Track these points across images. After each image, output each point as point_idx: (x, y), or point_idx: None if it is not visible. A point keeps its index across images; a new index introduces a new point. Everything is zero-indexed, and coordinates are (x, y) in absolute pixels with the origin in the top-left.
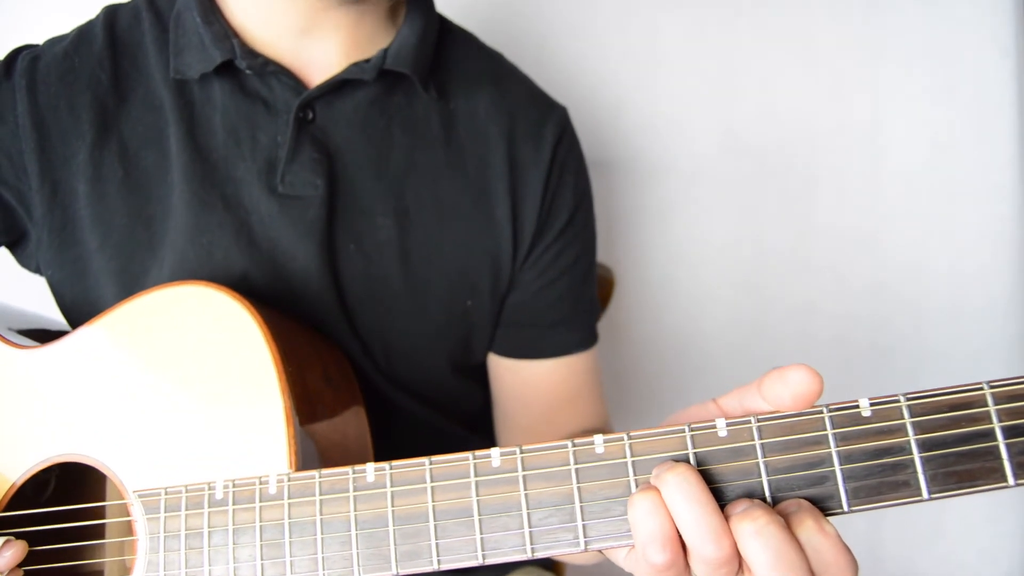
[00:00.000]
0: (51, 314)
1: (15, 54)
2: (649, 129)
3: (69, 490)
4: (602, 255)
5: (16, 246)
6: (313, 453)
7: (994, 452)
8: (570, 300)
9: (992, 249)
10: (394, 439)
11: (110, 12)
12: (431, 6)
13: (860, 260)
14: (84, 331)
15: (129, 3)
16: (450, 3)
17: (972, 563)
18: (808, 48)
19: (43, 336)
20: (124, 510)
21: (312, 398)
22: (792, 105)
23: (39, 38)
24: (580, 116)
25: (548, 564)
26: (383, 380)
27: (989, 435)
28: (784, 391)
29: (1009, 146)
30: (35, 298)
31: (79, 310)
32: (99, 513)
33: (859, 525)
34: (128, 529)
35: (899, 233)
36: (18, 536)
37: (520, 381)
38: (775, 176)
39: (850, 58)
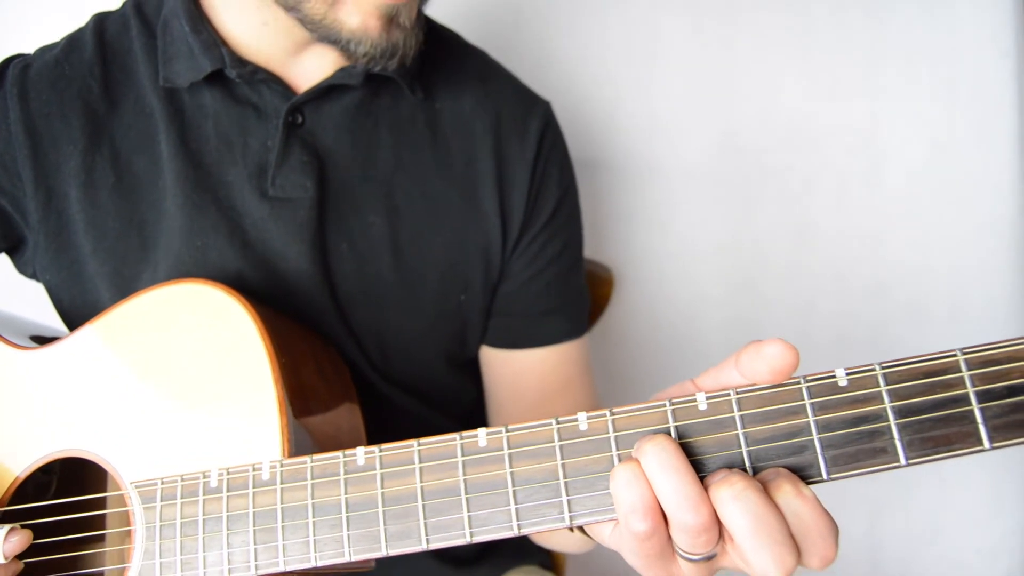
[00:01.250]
0: (47, 322)
1: (6, 63)
2: (648, 129)
3: (70, 487)
4: (601, 255)
5: (14, 252)
6: (307, 446)
7: (969, 416)
8: (559, 289)
9: (992, 249)
10: (390, 435)
11: (99, 20)
12: None
13: (860, 260)
14: (83, 331)
15: (117, 10)
16: (448, 2)
17: (972, 562)
18: (807, 47)
19: (40, 342)
20: (122, 501)
21: (306, 392)
22: (791, 104)
23: (29, 47)
24: (579, 116)
25: (547, 563)
26: (378, 377)
27: (963, 400)
28: (761, 365)
29: (1009, 146)
30: (29, 308)
31: (77, 313)
32: (98, 505)
33: (858, 525)
34: (127, 520)
35: (899, 233)
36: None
37: (512, 371)
38: (774, 176)
39: (850, 58)
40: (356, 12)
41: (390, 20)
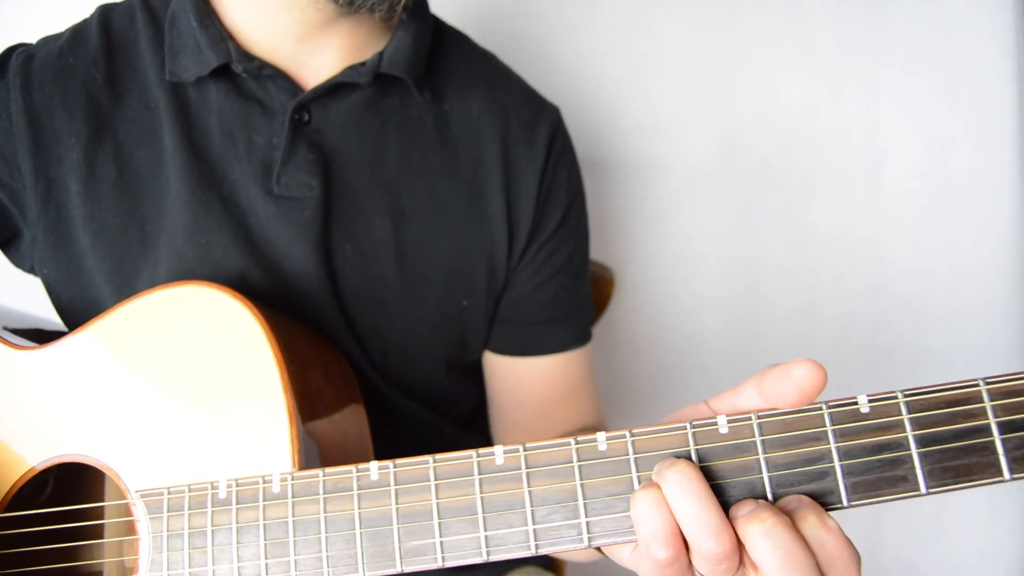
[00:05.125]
0: (45, 316)
1: (9, 53)
2: (649, 129)
3: (67, 491)
4: (602, 255)
5: (9, 245)
6: (315, 452)
7: (990, 447)
8: (565, 297)
9: (992, 249)
10: (390, 437)
11: (105, 11)
12: (426, 8)
13: (860, 261)
14: (86, 331)
15: (123, 2)
16: (450, 2)
17: (972, 562)
18: (808, 48)
19: (39, 337)
20: (125, 510)
21: (314, 397)
22: (792, 105)
23: (33, 37)
24: (580, 116)
25: (547, 563)
26: (380, 379)
27: (985, 431)
28: (789, 387)
29: (1009, 146)
30: (26, 303)
31: (75, 308)
32: (99, 513)
33: (859, 526)
34: (129, 529)
35: (899, 234)
36: (18, 537)
37: (516, 378)
38: (775, 176)
39: (850, 58)
40: None
41: None
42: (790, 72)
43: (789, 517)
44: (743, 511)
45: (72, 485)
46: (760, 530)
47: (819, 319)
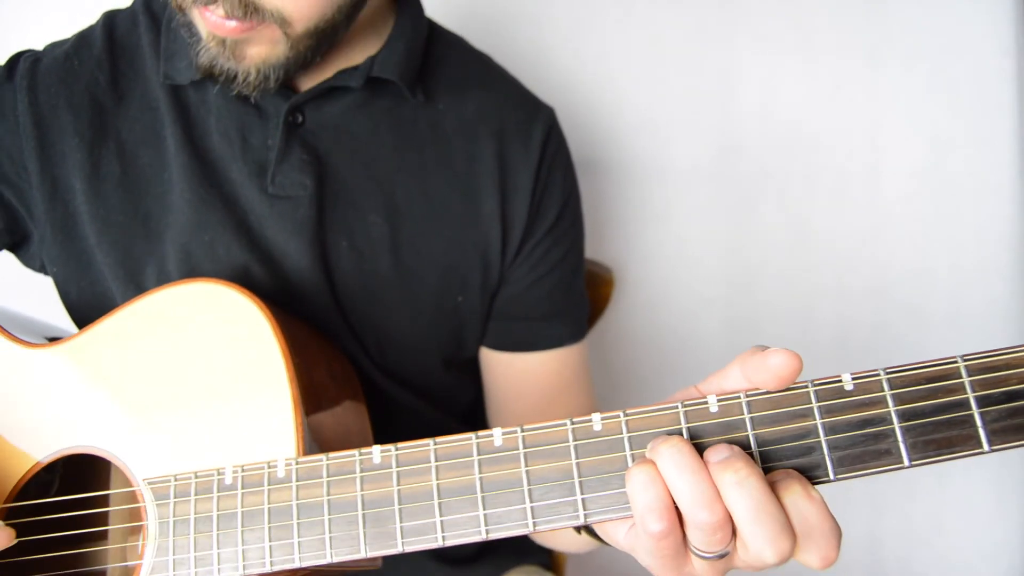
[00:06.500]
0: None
1: (17, 57)
2: (648, 129)
3: (75, 483)
4: (601, 255)
5: (19, 247)
6: (317, 446)
7: (969, 420)
8: (561, 294)
9: (992, 249)
10: (390, 432)
11: (109, 17)
12: (420, 12)
13: (859, 261)
14: (95, 328)
15: (128, 8)
16: (450, 3)
17: (972, 562)
18: (807, 47)
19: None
20: (130, 498)
21: (318, 391)
22: (792, 105)
23: (39, 43)
24: (580, 117)
25: (547, 563)
26: (378, 373)
27: (964, 405)
28: (767, 375)
29: (1009, 146)
30: (33, 308)
31: (85, 305)
32: (106, 503)
33: (858, 525)
34: (136, 517)
35: (899, 234)
36: (28, 525)
37: (512, 374)
38: (774, 176)
39: (850, 58)
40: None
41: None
42: (790, 72)
43: (774, 487)
44: (718, 456)
45: (79, 478)
46: (733, 479)
47: (818, 319)
